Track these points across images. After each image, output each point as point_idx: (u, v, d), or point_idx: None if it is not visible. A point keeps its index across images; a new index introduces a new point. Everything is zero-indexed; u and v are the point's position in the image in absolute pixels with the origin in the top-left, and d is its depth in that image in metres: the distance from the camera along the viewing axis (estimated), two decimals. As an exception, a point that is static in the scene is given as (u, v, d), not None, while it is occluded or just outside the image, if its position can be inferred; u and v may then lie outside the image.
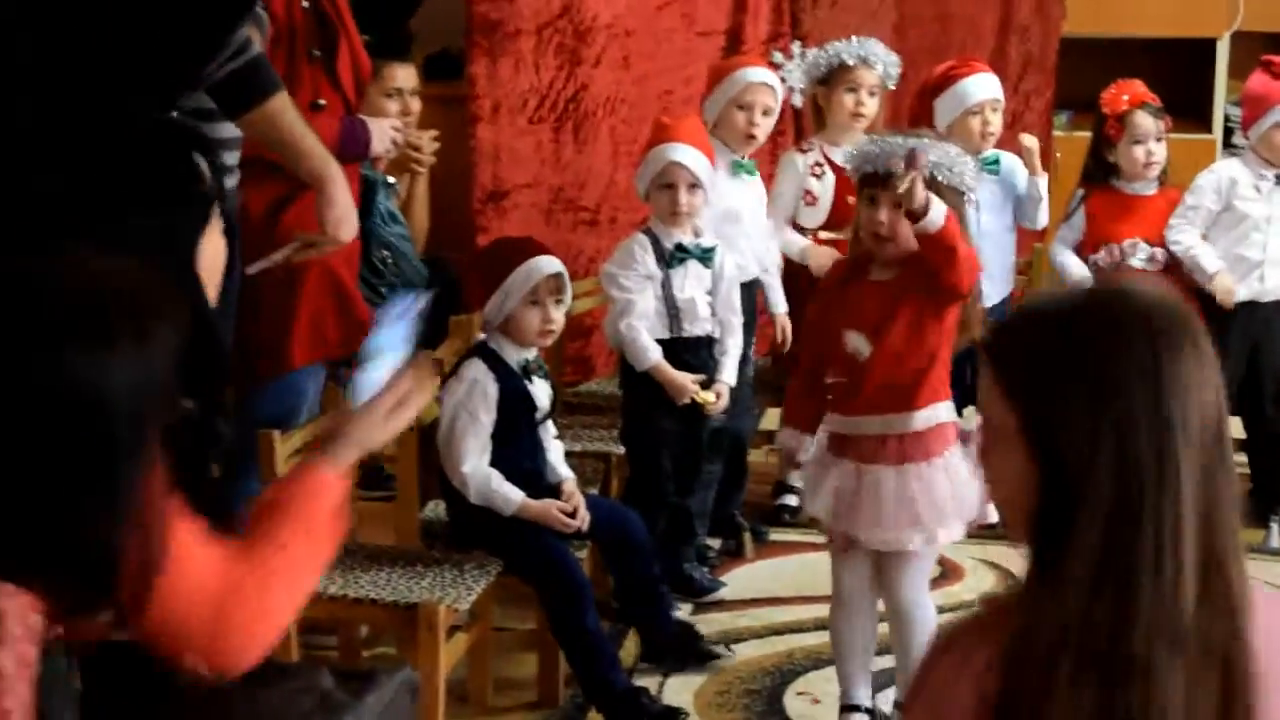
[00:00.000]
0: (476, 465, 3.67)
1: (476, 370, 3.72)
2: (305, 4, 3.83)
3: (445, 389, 3.74)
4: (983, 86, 4.81)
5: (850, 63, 4.73)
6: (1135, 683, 1.48)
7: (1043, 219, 4.94)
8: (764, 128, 4.60)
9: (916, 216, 3.27)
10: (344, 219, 3.49)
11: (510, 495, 3.67)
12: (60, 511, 1.71)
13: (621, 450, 4.37)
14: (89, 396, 1.71)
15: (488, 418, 3.69)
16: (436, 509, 3.96)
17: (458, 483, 3.70)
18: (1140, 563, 1.48)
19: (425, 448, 3.85)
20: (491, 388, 3.70)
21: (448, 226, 5.40)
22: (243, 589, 1.93)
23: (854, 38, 4.87)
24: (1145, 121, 4.77)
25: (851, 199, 4.57)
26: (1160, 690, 1.48)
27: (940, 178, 3.39)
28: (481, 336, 3.85)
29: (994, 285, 4.53)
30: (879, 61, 4.75)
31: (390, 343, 2.28)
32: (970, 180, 3.54)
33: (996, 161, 4.81)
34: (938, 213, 3.27)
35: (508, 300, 3.74)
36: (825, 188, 4.73)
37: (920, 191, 3.23)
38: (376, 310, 2.43)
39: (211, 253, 2.30)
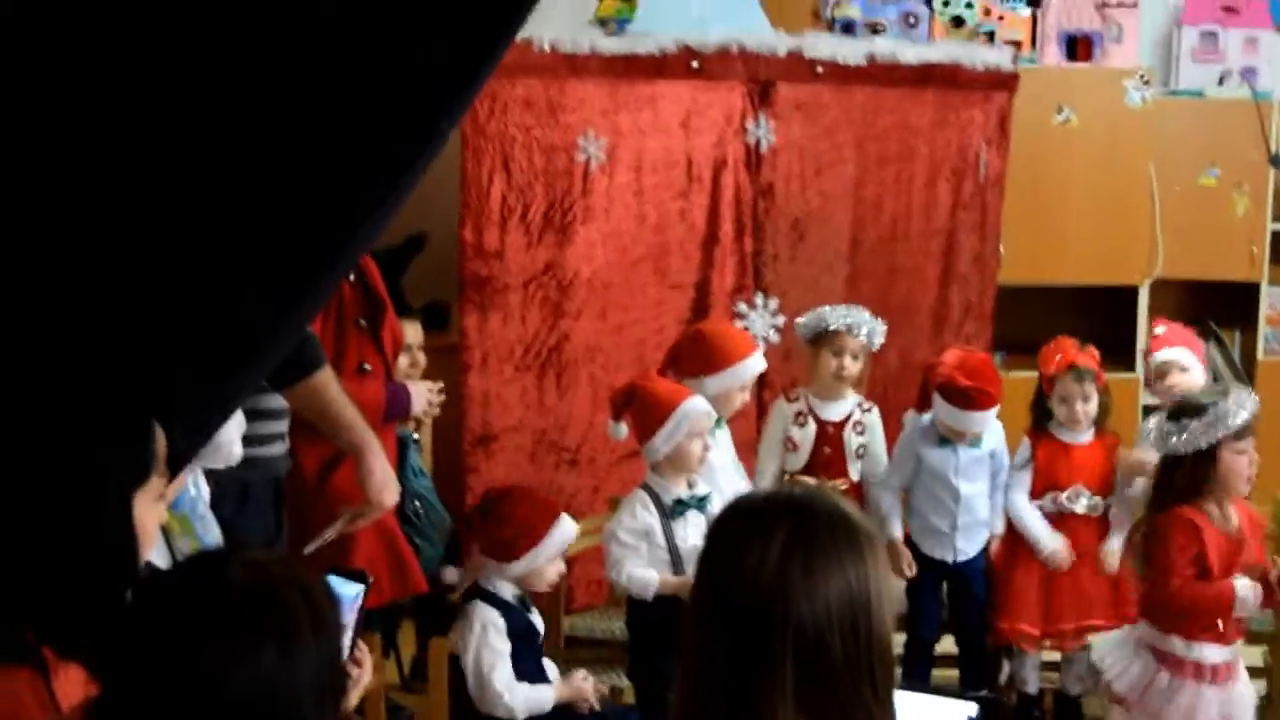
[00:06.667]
0: (510, 686, 3.99)
1: (483, 613, 4.04)
2: (353, 279, 4.13)
3: (457, 632, 4.05)
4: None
5: (836, 329, 5.06)
6: None
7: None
8: None
9: None
10: (385, 485, 3.68)
11: (543, 694, 4.06)
12: None
13: (626, 684, 4.60)
14: (283, 693, 1.83)
15: (505, 645, 4.01)
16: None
17: (503, 712, 3.99)
18: None
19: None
20: (499, 620, 4.02)
21: (438, 467, 5.69)
22: None
23: (841, 306, 5.17)
24: (1069, 385, 4.95)
25: (828, 449, 5.00)
26: None
27: None
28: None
29: (971, 541, 5.02)
30: (862, 328, 5.05)
31: None
32: None
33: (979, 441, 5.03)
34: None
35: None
36: (806, 436, 5.06)
37: None
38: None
39: (142, 514, 2.33)
